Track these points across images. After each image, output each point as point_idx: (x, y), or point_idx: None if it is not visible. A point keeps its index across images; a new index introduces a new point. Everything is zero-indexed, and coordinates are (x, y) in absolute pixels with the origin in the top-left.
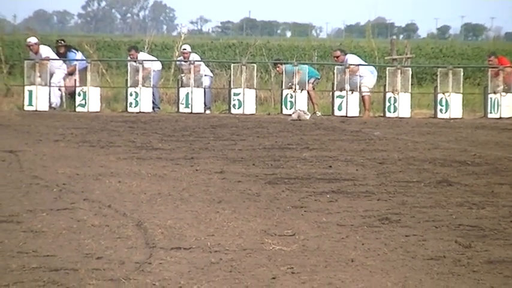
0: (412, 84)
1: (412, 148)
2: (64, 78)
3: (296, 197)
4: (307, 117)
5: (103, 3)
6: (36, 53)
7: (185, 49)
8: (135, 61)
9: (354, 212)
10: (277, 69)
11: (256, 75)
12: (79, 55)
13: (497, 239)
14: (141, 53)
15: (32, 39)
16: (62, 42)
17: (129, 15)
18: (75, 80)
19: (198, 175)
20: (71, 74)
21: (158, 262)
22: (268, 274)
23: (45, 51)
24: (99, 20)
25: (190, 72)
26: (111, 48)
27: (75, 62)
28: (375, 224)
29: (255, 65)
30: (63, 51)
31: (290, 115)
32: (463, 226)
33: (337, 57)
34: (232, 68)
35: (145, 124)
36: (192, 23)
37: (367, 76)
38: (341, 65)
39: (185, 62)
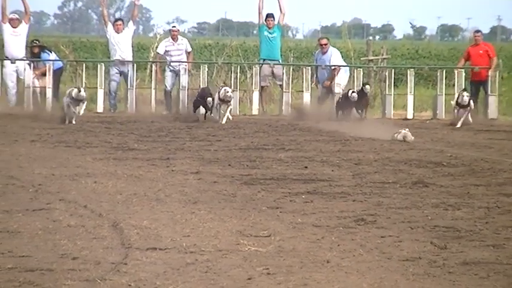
0: (388, 85)
1: (388, 149)
2: (37, 79)
3: (272, 198)
4: (413, 138)
5: (79, 4)
6: None
7: (174, 26)
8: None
9: (329, 213)
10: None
11: (234, 76)
12: (53, 56)
13: (472, 240)
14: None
15: None
16: (37, 42)
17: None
18: (48, 80)
19: (173, 176)
20: (43, 74)
21: (134, 263)
22: (244, 275)
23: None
24: (75, 21)
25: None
26: (88, 49)
27: (49, 63)
28: (350, 225)
29: (237, 65)
30: (37, 51)
31: (394, 134)
32: (439, 227)
33: (325, 44)
34: (233, 70)
35: (121, 125)
36: (168, 23)
37: (343, 76)
38: (319, 66)
39: (173, 45)
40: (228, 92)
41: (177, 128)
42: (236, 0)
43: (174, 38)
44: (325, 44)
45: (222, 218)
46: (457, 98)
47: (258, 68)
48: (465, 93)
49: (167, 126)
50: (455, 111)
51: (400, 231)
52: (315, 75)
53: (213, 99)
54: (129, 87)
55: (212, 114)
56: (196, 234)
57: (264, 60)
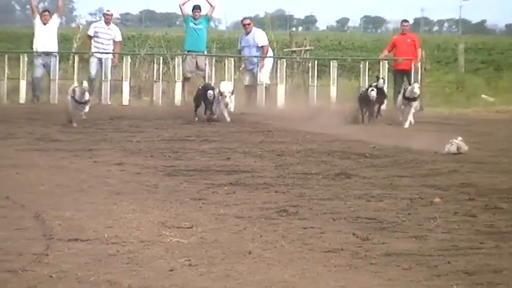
0: (311, 77)
1: (311, 140)
2: None
3: (194, 189)
4: (466, 148)
5: None
6: None
7: (109, 10)
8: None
9: (252, 204)
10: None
11: (157, 67)
12: None
13: (395, 231)
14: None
15: None
16: None
17: (28, 6)
18: None
19: (96, 167)
20: None
21: (56, 254)
22: (166, 266)
23: None
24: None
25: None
26: (12, 40)
27: None
28: (272, 216)
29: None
30: None
31: (446, 145)
32: (361, 218)
33: (248, 24)
34: (155, 61)
35: (45, 116)
36: (91, 14)
37: (268, 65)
38: (245, 47)
39: (104, 30)
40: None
41: (101, 119)
42: None
43: (107, 22)
44: (248, 24)
45: (145, 209)
46: (404, 91)
47: (181, 58)
48: (415, 85)
49: (91, 117)
50: (403, 107)
51: (322, 223)
52: (242, 65)
53: (214, 95)
54: (52, 78)
55: (215, 116)
56: (119, 225)
57: (188, 51)
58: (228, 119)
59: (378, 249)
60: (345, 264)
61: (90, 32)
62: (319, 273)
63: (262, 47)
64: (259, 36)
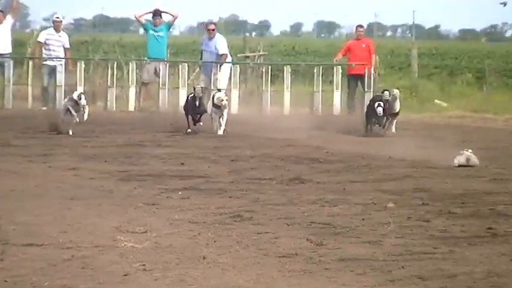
0: (265, 82)
1: (265, 145)
2: None
3: (149, 194)
4: (477, 161)
5: None
6: None
7: (58, 17)
8: None
9: (206, 209)
10: None
11: (111, 73)
12: None
13: (349, 236)
14: None
15: None
16: None
17: None
18: None
19: (51, 172)
20: None
21: (11, 259)
22: (121, 271)
23: None
24: None
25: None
26: None
27: None
28: (227, 222)
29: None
30: None
31: (455, 157)
32: (315, 224)
33: (213, 30)
34: (109, 66)
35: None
36: (45, 19)
37: (226, 69)
38: (205, 51)
39: (55, 37)
40: (221, 98)
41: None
42: None
43: (57, 29)
44: (213, 30)
45: (99, 214)
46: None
47: (135, 64)
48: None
49: (46, 122)
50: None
51: (277, 228)
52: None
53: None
54: (6, 83)
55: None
56: (74, 230)
57: (149, 58)
58: (220, 132)
59: (332, 255)
60: (299, 269)
61: (41, 39)
62: (274, 278)
63: (221, 55)
64: (221, 45)
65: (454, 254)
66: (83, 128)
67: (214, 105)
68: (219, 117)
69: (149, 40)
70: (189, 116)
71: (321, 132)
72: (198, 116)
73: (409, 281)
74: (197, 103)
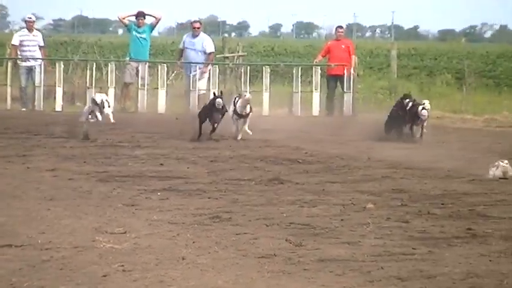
0: (244, 82)
1: (244, 146)
2: None
3: (128, 195)
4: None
5: None
6: None
7: (30, 17)
8: None
9: (185, 210)
10: None
11: (90, 73)
12: None
13: (328, 237)
14: None
15: None
16: None
17: None
18: None
19: (30, 173)
20: None
21: None
22: (100, 272)
23: None
24: None
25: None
26: None
27: None
28: (206, 222)
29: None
30: None
31: (490, 169)
32: (295, 224)
33: (198, 28)
34: (89, 67)
35: None
36: (24, 20)
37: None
38: (188, 50)
39: (29, 36)
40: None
41: (34, 125)
42: None
43: (30, 29)
44: (198, 28)
45: (78, 214)
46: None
47: (114, 65)
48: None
49: (24, 123)
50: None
51: (255, 229)
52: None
53: (223, 105)
54: None
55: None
56: (52, 231)
57: (131, 59)
58: (239, 137)
59: (311, 255)
60: (278, 270)
61: (15, 41)
62: (253, 279)
63: (209, 53)
64: (208, 43)
65: (433, 254)
66: (61, 128)
67: (235, 111)
68: (242, 123)
69: (132, 41)
70: (204, 121)
71: (300, 133)
72: (215, 124)
73: (388, 282)
74: (215, 113)
